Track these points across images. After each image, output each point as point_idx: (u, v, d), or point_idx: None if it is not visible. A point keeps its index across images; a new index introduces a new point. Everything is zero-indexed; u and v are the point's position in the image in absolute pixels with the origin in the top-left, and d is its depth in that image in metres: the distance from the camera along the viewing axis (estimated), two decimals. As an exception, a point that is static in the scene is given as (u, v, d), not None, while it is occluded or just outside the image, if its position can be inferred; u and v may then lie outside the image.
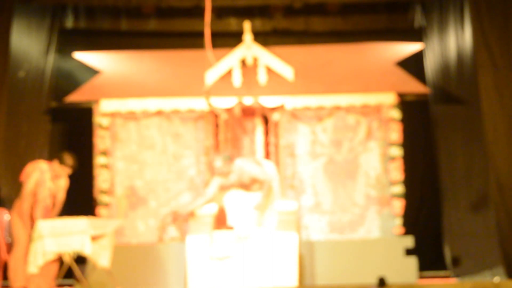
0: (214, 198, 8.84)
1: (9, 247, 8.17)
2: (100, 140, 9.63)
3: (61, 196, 8.26)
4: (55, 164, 8.18)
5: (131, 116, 9.73)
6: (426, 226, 10.30)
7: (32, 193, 7.98)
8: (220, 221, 8.92)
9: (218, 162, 8.70)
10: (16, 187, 8.46)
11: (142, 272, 9.17)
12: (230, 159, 8.71)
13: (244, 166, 8.78)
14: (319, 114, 9.71)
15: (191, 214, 8.75)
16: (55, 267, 8.03)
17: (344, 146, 9.72)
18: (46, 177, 8.07)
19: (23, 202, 7.97)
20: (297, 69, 9.77)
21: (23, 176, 8.08)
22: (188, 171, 9.73)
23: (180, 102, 9.63)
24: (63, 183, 8.27)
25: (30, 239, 7.86)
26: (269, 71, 9.74)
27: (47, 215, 8.06)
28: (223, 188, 8.88)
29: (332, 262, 9.21)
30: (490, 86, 9.36)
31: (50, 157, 9.81)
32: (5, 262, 8.07)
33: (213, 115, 9.66)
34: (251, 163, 8.84)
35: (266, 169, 8.85)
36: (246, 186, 8.77)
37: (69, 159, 8.18)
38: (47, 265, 7.85)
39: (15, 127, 9.64)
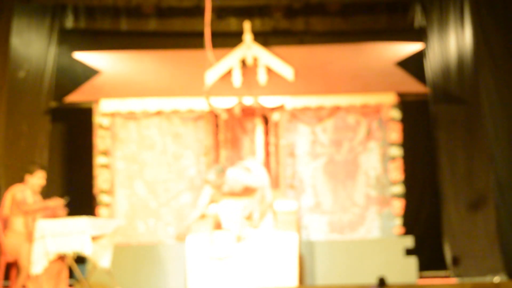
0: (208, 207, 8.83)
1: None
2: (100, 140, 9.63)
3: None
4: (29, 182, 8.07)
5: (131, 116, 9.73)
6: (426, 226, 10.30)
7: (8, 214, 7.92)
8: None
9: (211, 176, 8.60)
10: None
11: (142, 272, 9.18)
12: (223, 171, 8.62)
13: (237, 177, 8.72)
14: (319, 114, 9.71)
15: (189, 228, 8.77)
16: (58, 267, 8.00)
17: (344, 146, 9.72)
18: (25, 195, 7.99)
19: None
20: (297, 69, 9.77)
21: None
22: (188, 171, 9.73)
23: (180, 102, 9.63)
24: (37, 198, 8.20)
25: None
26: (269, 71, 9.74)
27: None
28: (214, 199, 8.82)
29: (332, 262, 9.22)
30: (490, 86, 9.37)
31: (50, 157, 9.87)
32: (6, 262, 8.06)
33: (213, 115, 9.66)
34: (242, 171, 8.77)
35: (257, 175, 8.82)
36: (236, 194, 8.75)
37: (33, 166, 8.14)
38: (50, 265, 7.84)
39: (15, 127, 9.63)
